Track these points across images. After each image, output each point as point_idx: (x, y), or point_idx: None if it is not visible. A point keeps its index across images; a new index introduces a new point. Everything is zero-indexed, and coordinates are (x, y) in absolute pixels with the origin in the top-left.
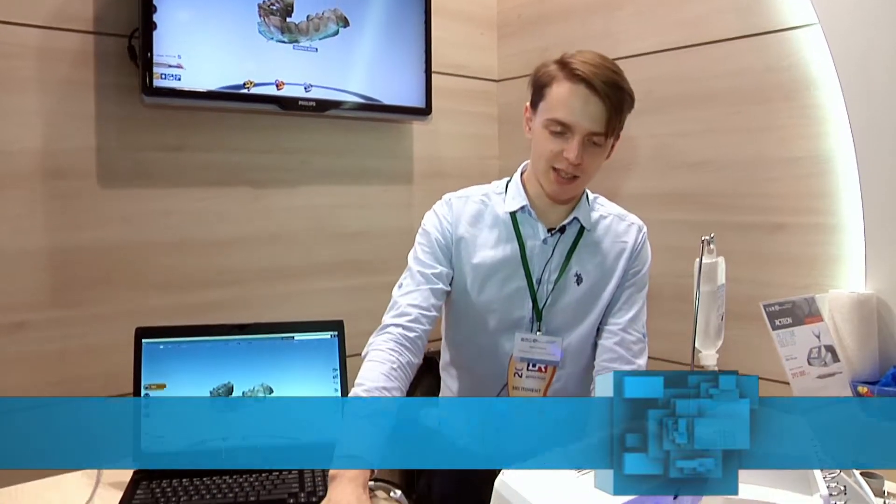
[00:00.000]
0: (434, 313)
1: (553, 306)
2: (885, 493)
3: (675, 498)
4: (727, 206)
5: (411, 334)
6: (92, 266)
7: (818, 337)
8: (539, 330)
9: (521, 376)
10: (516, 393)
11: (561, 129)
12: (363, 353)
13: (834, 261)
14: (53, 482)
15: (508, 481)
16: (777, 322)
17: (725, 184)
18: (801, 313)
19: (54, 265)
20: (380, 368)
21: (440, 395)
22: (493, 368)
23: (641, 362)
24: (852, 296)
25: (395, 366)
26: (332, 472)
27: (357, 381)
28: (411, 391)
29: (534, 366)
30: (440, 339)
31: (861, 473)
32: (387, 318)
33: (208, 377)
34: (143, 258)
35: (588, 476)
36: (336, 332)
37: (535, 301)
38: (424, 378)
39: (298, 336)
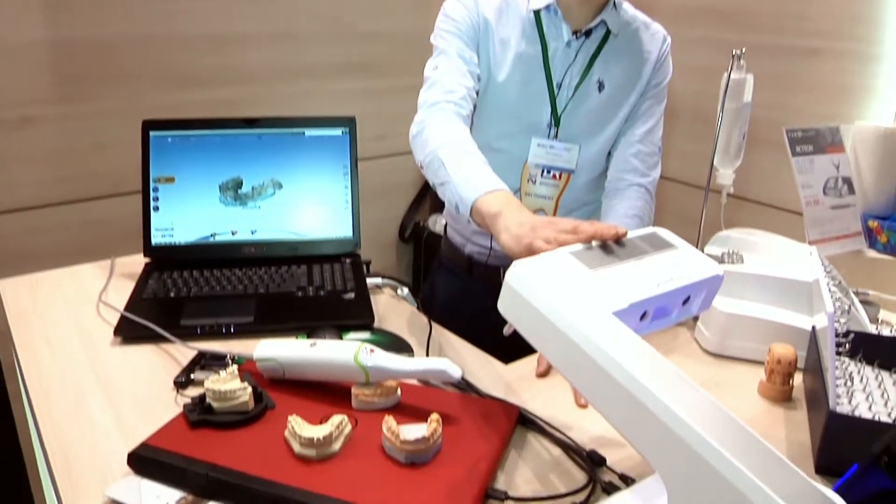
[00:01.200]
0: (475, 97)
1: (572, 112)
2: (879, 321)
3: (684, 302)
4: (760, 25)
5: (464, 112)
6: (99, 61)
7: (837, 167)
8: (556, 136)
9: (534, 183)
10: (528, 200)
11: None
12: (412, 135)
13: (865, 92)
14: (69, 272)
15: (520, 274)
16: (798, 149)
17: (760, 1)
18: (823, 142)
19: (57, 59)
20: (459, 131)
21: (444, 210)
22: (506, 175)
23: (655, 175)
24: (878, 129)
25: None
26: (488, 209)
27: (435, 144)
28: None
29: (548, 172)
30: None
31: (859, 301)
32: (433, 96)
33: (217, 171)
34: (154, 54)
35: (601, 270)
36: (347, 129)
37: (553, 106)
38: None
39: (309, 132)
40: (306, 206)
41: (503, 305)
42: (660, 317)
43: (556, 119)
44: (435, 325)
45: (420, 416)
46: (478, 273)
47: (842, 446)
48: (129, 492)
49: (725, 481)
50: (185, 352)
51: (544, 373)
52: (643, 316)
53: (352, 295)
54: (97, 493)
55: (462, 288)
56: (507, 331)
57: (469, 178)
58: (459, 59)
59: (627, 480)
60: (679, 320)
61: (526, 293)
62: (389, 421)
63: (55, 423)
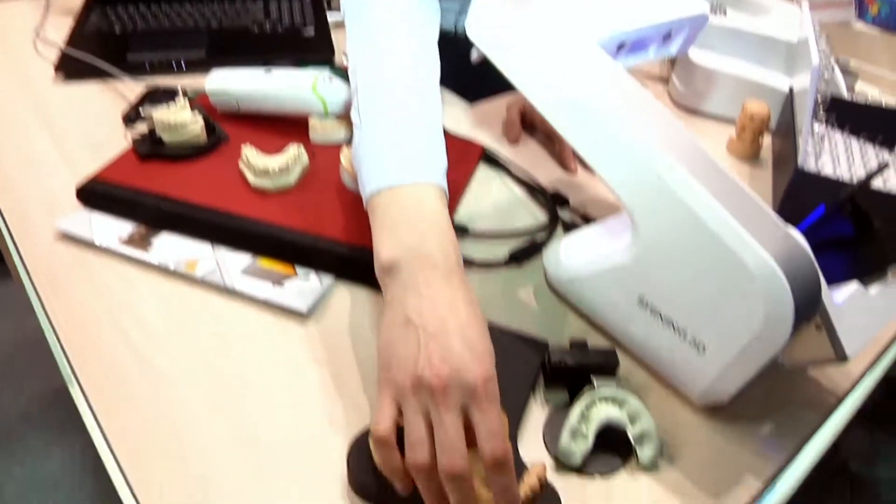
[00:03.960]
0: None
1: None
2: (856, 91)
3: (664, 38)
4: None
5: None
6: None
7: None
8: None
9: None
10: None
11: None
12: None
13: None
14: (2, 9)
15: None
16: None
17: None
18: None
19: None
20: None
21: None
22: None
23: None
24: None
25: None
26: (394, 255)
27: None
28: None
29: None
30: None
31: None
32: None
33: None
34: None
35: None
36: None
37: None
38: None
39: None
40: None
41: (472, 27)
42: (637, 50)
43: None
44: None
45: None
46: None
47: (803, 203)
48: (80, 224)
49: (692, 212)
50: (133, 87)
51: (516, 139)
52: (620, 47)
53: (311, 30)
54: (48, 228)
55: None
56: (474, 57)
57: (383, 153)
58: None
59: (589, 220)
60: (655, 58)
61: (498, 13)
62: (348, 152)
63: (0, 165)
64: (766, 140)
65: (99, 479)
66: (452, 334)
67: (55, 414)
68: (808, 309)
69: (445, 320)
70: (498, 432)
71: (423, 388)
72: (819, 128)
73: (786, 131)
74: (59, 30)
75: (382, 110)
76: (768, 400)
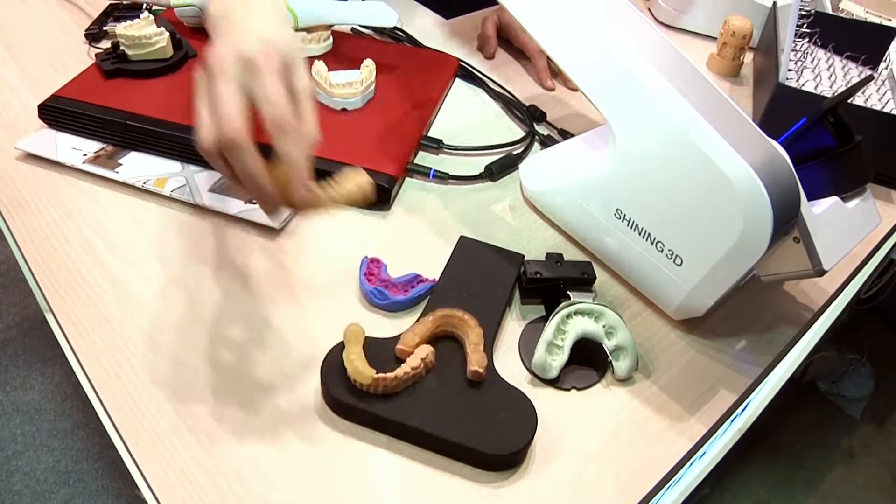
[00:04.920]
0: None
1: None
2: (840, 9)
3: None
4: None
5: None
6: None
7: None
8: None
9: None
10: None
11: None
12: None
13: None
14: None
15: None
16: None
17: None
18: None
19: None
20: None
21: None
22: None
23: None
24: None
25: None
26: (218, 4)
27: None
28: None
29: None
30: None
31: None
32: None
33: None
34: None
35: None
36: None
37: None
38: None
39: None
40: None
41: None
42: None
43: None
44: None
45: (353, 63)
46: None
47: (784, 119)
48: (44, 144)
49: (672, 121)
50: (95, 3)
51: (492, 54)
52: None
53: None
54: (9, 148)
55: None
56: None
57: None
58: None
59: (567, 136)
60: None
61: None
62: (319, 65)
63: None
64: (748, 57)
65: (80, 405)
66: (242, 26)
67: (35, 342)
68: (787, 220)
69: (240, 19)
70: (276, 101)
71: (206, 69)
72: (802, 44)
73: (768, 48)
74: None
75: None
76: (744, 314)
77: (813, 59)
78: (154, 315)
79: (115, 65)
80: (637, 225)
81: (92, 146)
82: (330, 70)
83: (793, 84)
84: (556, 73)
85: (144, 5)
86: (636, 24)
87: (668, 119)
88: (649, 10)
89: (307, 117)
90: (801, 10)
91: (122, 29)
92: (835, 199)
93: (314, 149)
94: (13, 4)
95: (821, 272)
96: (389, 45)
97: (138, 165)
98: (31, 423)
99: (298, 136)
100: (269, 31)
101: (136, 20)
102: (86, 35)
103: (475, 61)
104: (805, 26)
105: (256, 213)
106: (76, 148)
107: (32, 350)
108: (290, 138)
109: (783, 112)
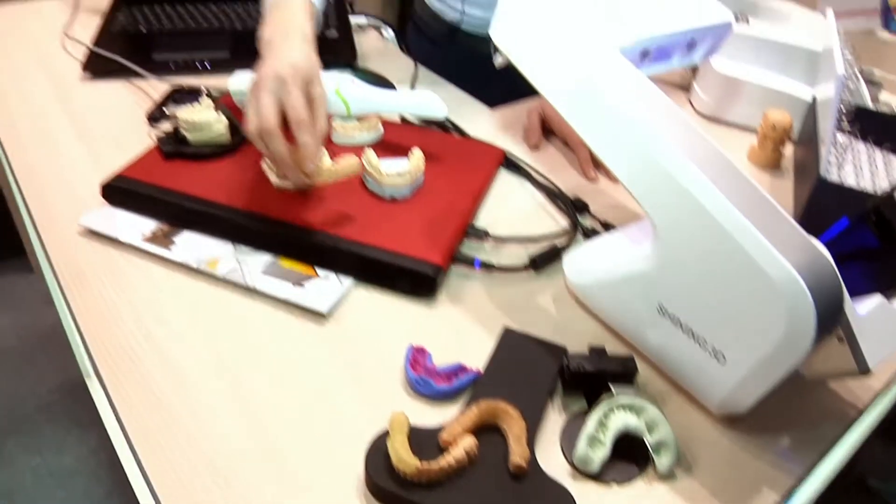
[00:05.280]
0: None
1: None
2: (880, 101)
3: (688, 47)
4: None
5: None
6: None
7: None
8: None
9: None
10: None
11: None
12: None
13: None
14: (30, 8)
15: None
16: None
17: None
18: None
19: None
20: None
21: None
22: None
23: None
24: None
25: None
26: (267, 32)
27: None
28: None
29: None
30: None
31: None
32: None
33: None
34: None
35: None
36: None
37: None
38: None
39: None
40: None
41: (496, 30)
42: (660, 59)
43: None
44: (420, 68)
45: (402, 152)
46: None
47: (825, 213)
48: (104, 221)
49: (714, 221)
50: (157, 87)
51: (536, 144)
52: (644, 55)
53: (334, 33)
54: (72, 223)
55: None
56: (498, 62)
57: None
58: None
59: (609, 227)
60: (678, 67)
61: (524, 18)
62: (370, 154)
63: (27, 161)
64: (788, 150)
65: (115, 472)
66: (279, 52)
67: (72, 407)
68: (831, 320)
69: (279, 45)
70: (297, 106)
71: (254, 85)
72: (842, 138)
73: (808, 141)
74: (87, 29)
75: None
76: (787, 411)
77: (854, 153)
78: (200, 394)
79: (174, 147)
80: (680, 321)
81: (149, 224)
82: (380, 158)
83: (833, 177)
84: (598, 164)
85: (204, 90)
86: (677, 122)
87: (710, 218)
88: (690, 101)
89: (319, 117)
90: (840, 103)
91: (184, 114)
92: (879, 297)
93: (323, 139)
94: (84, 86)
95: (866, 372)
96: (437, 135)
97: (192, 244)
98: (63, 487)
99: (312, 131)
100: (297, 57)
101: (196, 104)
102: (148, 117)
103: (520, 151)
104: (845, 120)
105: (306, 297)
106: (134, 225)
107: (70, 415)
108: (306, 131)
109: (824, 206)
